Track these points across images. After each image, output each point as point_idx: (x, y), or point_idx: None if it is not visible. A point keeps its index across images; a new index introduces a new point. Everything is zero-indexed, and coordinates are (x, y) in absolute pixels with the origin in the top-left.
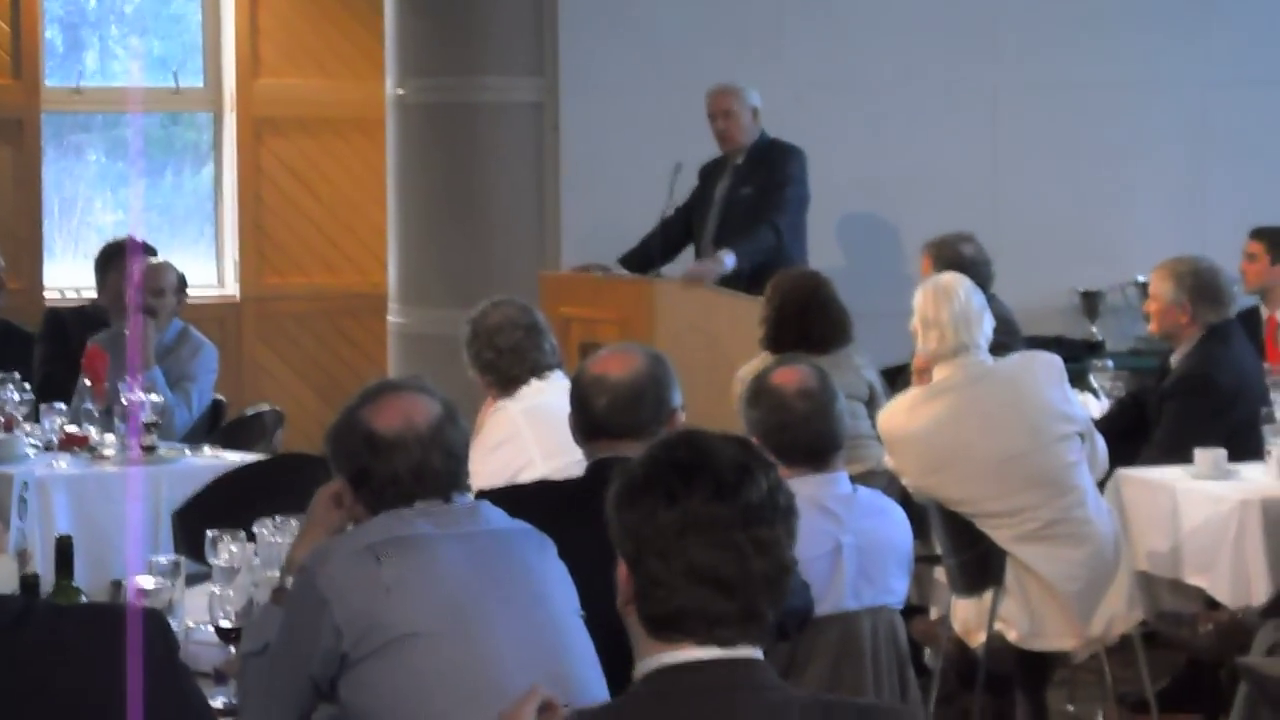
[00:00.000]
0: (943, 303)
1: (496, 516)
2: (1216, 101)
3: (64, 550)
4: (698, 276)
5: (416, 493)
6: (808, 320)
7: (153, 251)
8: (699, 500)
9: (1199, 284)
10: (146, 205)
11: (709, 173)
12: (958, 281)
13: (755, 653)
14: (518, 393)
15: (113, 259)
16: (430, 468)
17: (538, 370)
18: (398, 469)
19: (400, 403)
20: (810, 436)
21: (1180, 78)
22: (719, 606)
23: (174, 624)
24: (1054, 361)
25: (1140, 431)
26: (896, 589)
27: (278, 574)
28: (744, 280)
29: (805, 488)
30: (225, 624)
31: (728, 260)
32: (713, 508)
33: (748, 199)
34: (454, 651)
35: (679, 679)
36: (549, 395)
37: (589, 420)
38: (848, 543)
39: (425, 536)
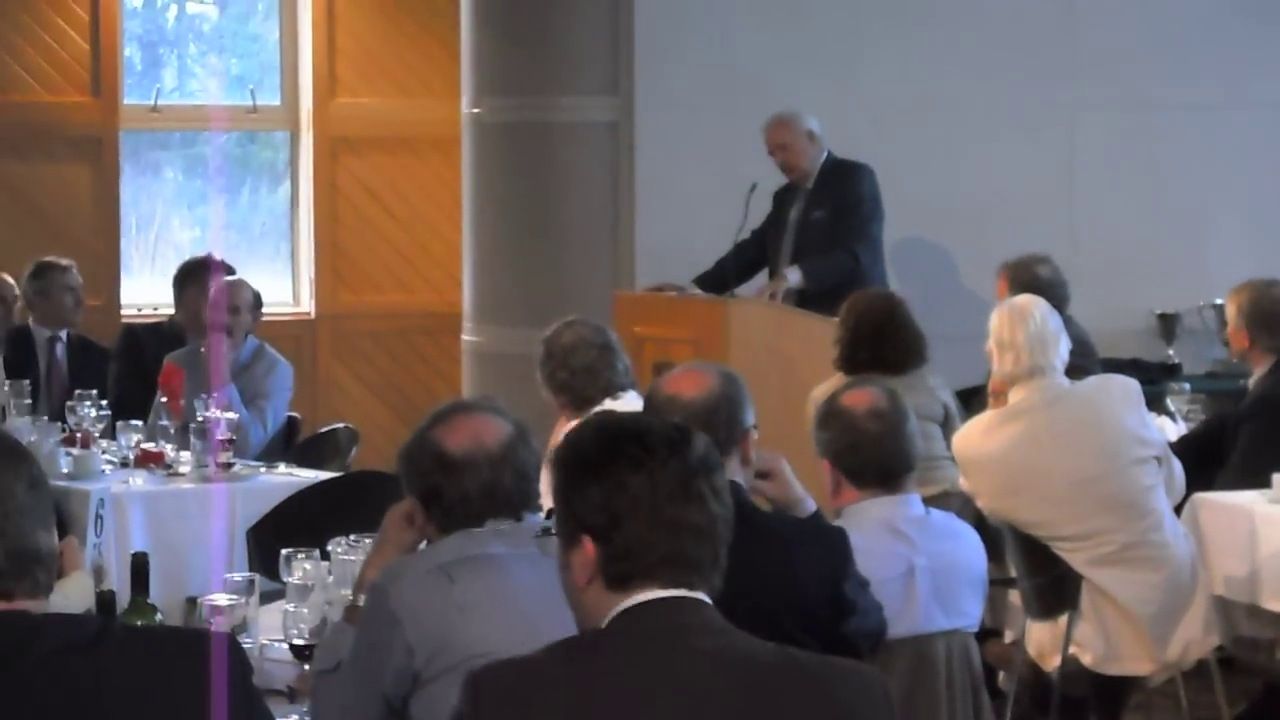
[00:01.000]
0: (1018, 324)
1: None
2: None
3: (140, 567)
4: (775, 299)
5: (487, 512)
6: (882, 341)
7: (230, 270)
8: (660, 460)
9: (1256, 310)
10: (224, 223)
11: (782, 196)
12: (1034, 303)
13: (705, 598)
14: (591, 412)
15: (191, 277)
16: (501, 487)
17: (611, 390)
18: (468, 488)
19: (471, 423)
20: (882, 458)
21: (1260, 98)
22: (695, 551)
23: (248, 641)
24: (1131, 384)
25: (1217, 455)
26: (970, 612)
27: (350, 592)
28: (821, 301)
29: (877, 509)
30: (299, 641)
31: (792, 276)
32: (674, 464)
33: (821, 222)
34: None
35: (642, 616)
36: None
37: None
38: (921, 565)
39: (498, 556)
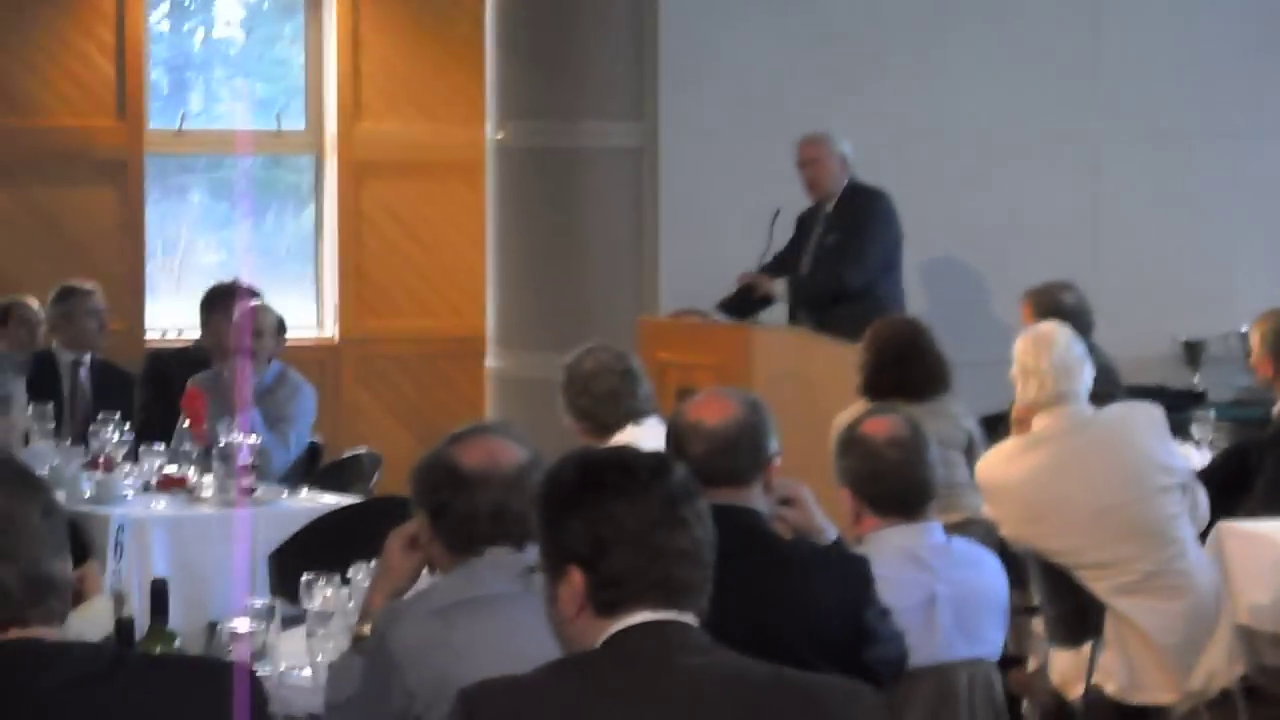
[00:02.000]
0: (1043, 351)
1: None
2: None
3: (159, 594)
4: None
5: (492, 533)
6: (905, 367)
7: (256, 294)
8: (643, 487)
9: (1278, 339)
10: (248, 247)
11: (805, 221)
12: (1058, 330)
13: (693, 619)
14: (613, 439)
15: (217, 301)
16: (510, 510)
17: (633, 416)
18: (478, 506)
19: (487, 444)
20: (902, 486)
21: None
22: (683, 576)
23: (268, 667)
24: (1155, 412)
25: (1243, 483)
26: (992, 640)
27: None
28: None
29: (898, 538)
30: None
31: (777, 287)
32: (656, 492)
33: (834, 246)
34: None
35: (629, 638)
36: (644, 441)
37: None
38: (942, 593)
39: (496, 596)
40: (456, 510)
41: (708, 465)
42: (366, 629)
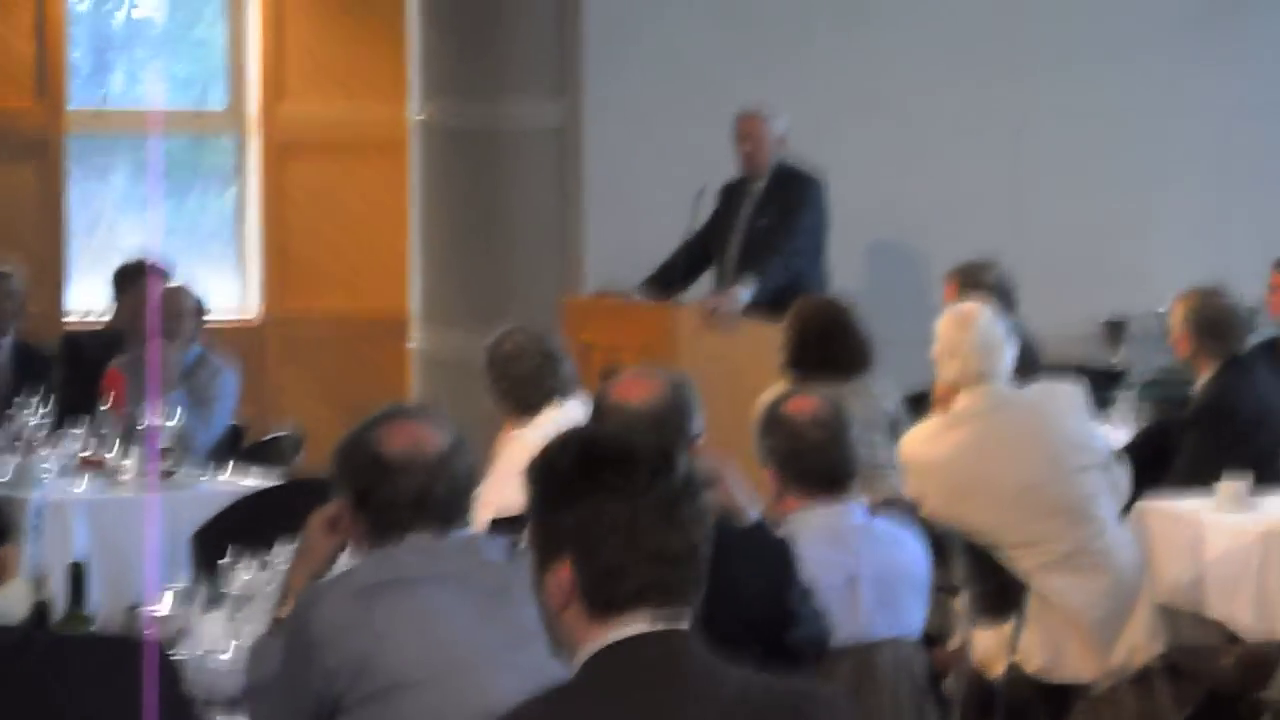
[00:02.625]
0: (965, 330)
1: (494, 548)
2: (1241, 129)
3: (77, 576)
4: (718, 314)
5: (414, 520)
6: (829, 344)
7: (168, 274)
8: (640, 485)
9: (1200, 318)
10: (171, 227)
11: (729, 194)
12: (980, 309)
13: (686, 625)
14: (535, 420)
15: (126, 280)
16: (433, 495)
17: (554, 397)
18: (400, 492)
19: (410, 428)
20: (823, 465)
21: (1205, 104)
22: (673, 580)
23: (189, 650)
24: (1076, 391)
25: (1163, 461)
26: (914, 619)
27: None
28: (763, 308)
29: (819, 517)
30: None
31: (744, 294)
32: (654, 490)
33: (766, 228)
34: (448, 698)
35: (626, 653)
36: (565, 422)
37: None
38: (864, 572)
39: (417, 579)
40: (379, 496)
41: None
42: (286, 610)
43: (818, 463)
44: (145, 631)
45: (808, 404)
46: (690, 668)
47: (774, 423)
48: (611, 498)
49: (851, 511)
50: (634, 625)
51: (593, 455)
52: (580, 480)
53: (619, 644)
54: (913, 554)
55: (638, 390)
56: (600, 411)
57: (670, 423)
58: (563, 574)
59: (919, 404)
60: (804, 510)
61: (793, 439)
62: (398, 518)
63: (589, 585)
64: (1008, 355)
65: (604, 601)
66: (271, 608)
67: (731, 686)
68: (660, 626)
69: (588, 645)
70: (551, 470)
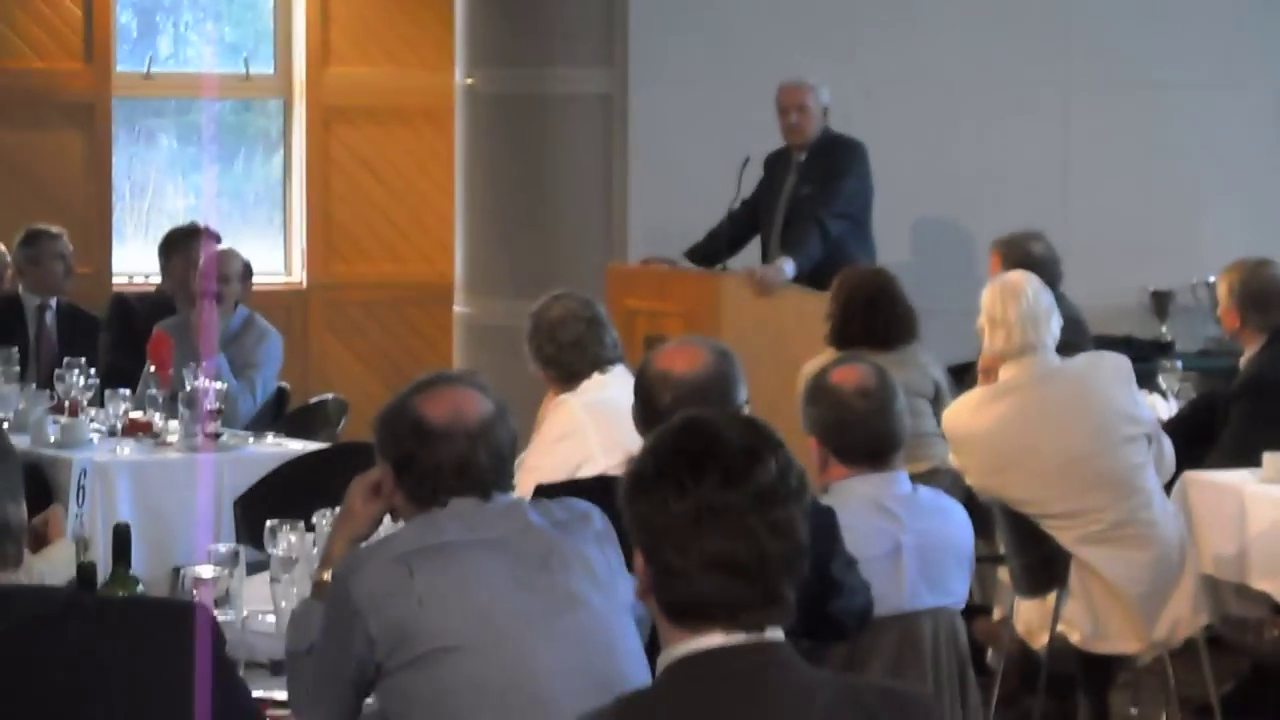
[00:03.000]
0: (1010, 301)
1: (537, 513)
2: None
3: (121, 538)
4: (763, 286)
5: (456, 487)
6: (874, 316)
7: (218, 238)
8: (710, 488)
9: (1246, 290)
10: (217, 192)
11: (773, 165)
12: (1025, 280)
13: (778, 635)
14: (580, 387)
15: (176, 245)
16: (474, 462)
17: (599, 364)
18: (441, 459)
19: (452, 395)
20: (869, 435)
21: (1254, 77)
22: (738, 592)
23: (231, 614)
24: (1121, 362)
25: (1209, 434)
26: (957, 590)
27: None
28: (804, 278)
29: (864, 486)
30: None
31: (787, 267)
32: (724, 495)
33: (809, 197)
34: (489, 664)
35: (700, 667)
36: (611, 390)
37: (654, 416)
38: (907, 543)
39: (459, 544)
40: (421, 463)
41: (675, 414)
42: (327, 575)
43: (862, 432)
44: (191, 594)
45: (853, 373)
46: (775, 683)
47: (819, 391)
48: (676, 497)
49: (897, 481)
50: (710, 636)
51: (674, 447)
52: (654, 472)
53: (695, 657)
54: (957, 524)
55: (682, 359)
56: (645, 380)
57: (715, 392)
58: (639, 562)
59: (963, 375)
60: (849, 480)
61: (838, 408)
62: (440, 485)
63: (657, 583)
64: (1053, 327)
65: (669, 602)
66: (313, 573)
67: (822, 700)
68: (739, 639)
69: (668, 649)
70: (641, 458)
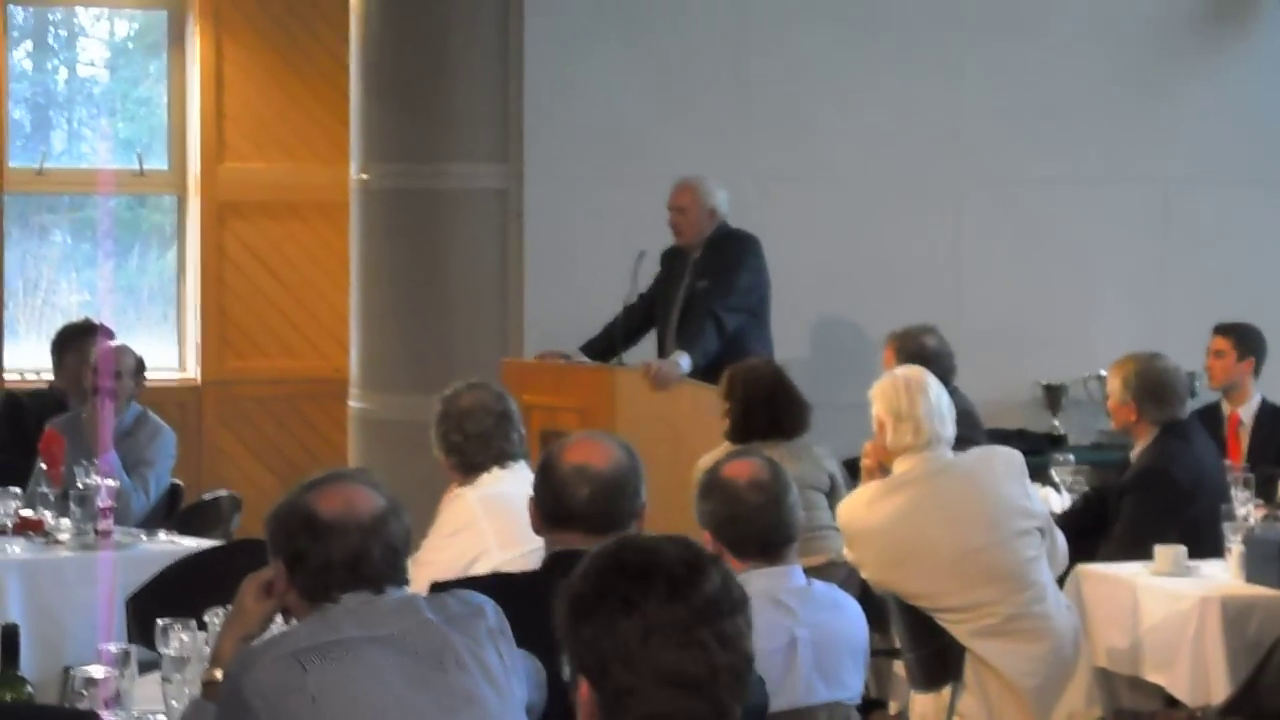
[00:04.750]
0: (917, 396)
1: (431, 609)
2: (1179, 197)
3: (10, 639)
4: (659, 380)
5: (350, 581)
6: (775, 407)
7: (111, 334)
8: (656, 602)
9: (1143, 384)
10: (111, 287)
11: (670, 260)
12: (925, 374)
13: None
14: (478, 480)
15: (69, 342)
16: (368, 557)
17: (501, 459)
18: (334, 554)
19: (345, 490)
20: (763, 529)
21: (1143, 173)
22: (690, 707)
23: (122, 715)
24: (1014, 456)
25: (1101, 527)
26: (852, 684)
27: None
28: (701, 372)
29: (758, 581)
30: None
31: (683, 362)
32: (671, 608)
33: (705, 291)
34: None
35: None
36: (508, 484)
37: (566, 510)
38: (803, 636)
39: (352, 641)
40: (314, 558)
41: (592, 509)
42: (218, 674)
43: (757, 527)
44: (81, 695)
45: (746, 467)
46: None
47: (713, 486)
48: (623, 614)
49: (791, 575)
50: None
51: (610, 569)
52: (595, 593)
53: None
54: (852, 619)
55: (598, 454)
56: (556, 473)
57: (630, 487)
58: (582, 692)
59: (855, 468)
60: (744, 574)
61: (731, 503)
62: (332, 580)
63: (604, 706)
64: (951, 421)
65: None
66: (203, 672)
67: None
68: None
69: None
70: (576, 585)
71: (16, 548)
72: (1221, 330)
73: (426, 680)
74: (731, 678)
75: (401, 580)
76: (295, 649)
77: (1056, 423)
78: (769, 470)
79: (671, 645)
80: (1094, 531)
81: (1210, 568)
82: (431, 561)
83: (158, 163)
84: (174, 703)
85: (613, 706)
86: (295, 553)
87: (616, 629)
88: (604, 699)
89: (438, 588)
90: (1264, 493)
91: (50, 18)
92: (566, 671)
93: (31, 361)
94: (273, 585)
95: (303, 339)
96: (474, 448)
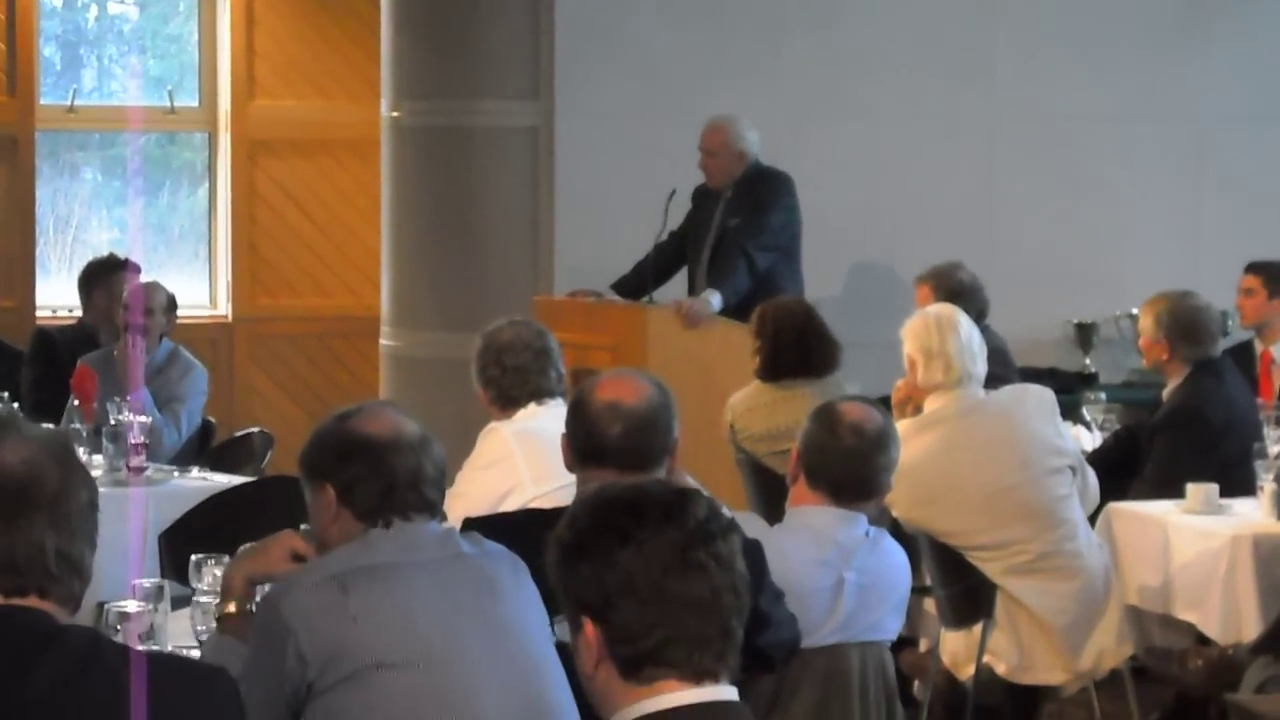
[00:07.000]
0: (948, 334)
1: (467, 543)
2: (1213, 135)
3: None
4: (690, 318)
5: (411, 501)
6: (806, 346)
7: (138, 270)
8: (651, 529)
9: (1175, 322)
10: (142, 225)
11: (701, 198)
12: (957, 312)
13: (732, 693)
14: (514, 415)
15: (96, 278)
16: (424, 474)
17: (538, 395)
18: (398, 473)
19: (387, 414)
20: (840, 471)
21: (1177, 111)
22: (699, 629)
23: (156, 648)
24: (1046, 394)
25: (1133, 465)
26: (890, 627)
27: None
28: (732, 310)
29: (818, 517)
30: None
31: (714, 300)
32: (666, 533)
33: (736, 229)
34: (422, 682)
35: None
36: (544, 420)
37: (599, 447)
38: (850, 579)
39: (393, 565)
40: (375, 480)
41: (625, 446)
42: (230, 607)
43: (836, 467)
44: (115, 629)
45: (858, 410)
46: None
47: (823, 413)
48: (620, 545)
49: (854, 521)
50: (666, 692)
51: (602, 507)
52: (589, 531)
53: (653, 716)
54: (899, 568)
55: (630, 390)
56: (588, 411)
57: (662, 423)
58: (587, 633)
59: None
60: (809, 508)
61: (827, 433)
62: (394, 498)
63: (612, 641)
64: (983, 359)
65: (632, 659)
66: (215, 607)
67: None
68: (697, 696)
69: (622, 711)
70: (569, 529)
71: None
72: (1252, 269)
73: (465, 606)
74: (732, 596)
75: (442, 510)
76: (335, 572)
77: (1088, 361)
78: (874, 423)
79: (673, 568)
80: (1125, 470)
81: (1242, 506)
82: (465, 494)
83: (188, 100)
84: (206, 637)
85: (620, 639)
86: (352, 477)
87: (615, 560)
88: (610, 633)
89: (471, 525)
90: None
91: None
92: (558, 630)
93: (62, 298)
94: (303, 557)
95: (334, 276)
96: (511, 382)
